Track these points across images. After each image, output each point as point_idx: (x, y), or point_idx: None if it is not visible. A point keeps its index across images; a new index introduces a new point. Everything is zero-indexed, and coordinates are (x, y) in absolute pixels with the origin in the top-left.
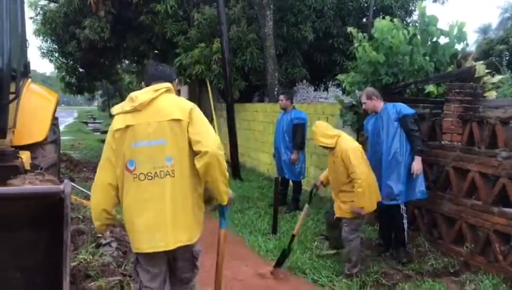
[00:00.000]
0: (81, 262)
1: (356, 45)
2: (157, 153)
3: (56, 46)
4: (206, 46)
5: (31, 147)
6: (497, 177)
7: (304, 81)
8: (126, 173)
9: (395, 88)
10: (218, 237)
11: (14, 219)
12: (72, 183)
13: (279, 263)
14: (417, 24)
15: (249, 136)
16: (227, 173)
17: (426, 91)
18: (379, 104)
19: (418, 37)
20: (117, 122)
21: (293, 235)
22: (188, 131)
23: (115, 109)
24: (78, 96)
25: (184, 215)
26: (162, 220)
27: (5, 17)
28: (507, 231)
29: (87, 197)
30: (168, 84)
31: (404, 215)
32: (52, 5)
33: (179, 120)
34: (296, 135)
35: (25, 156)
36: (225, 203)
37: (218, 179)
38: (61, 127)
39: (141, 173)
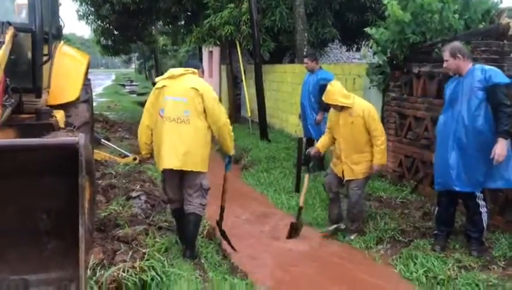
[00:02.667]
0: (112, 213)
1: (386, 1)
2: (179, 106)
3: (92, 9)
4: (236, 7)
5: (65, 107)
6: None
7: (336, 41)
8: (159, 117)
9: (422, 47)
10: (224, 177)
11: (38, 166)
12: (107, 142)
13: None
14: None
15: (277, 97)
16: (232, 134)
17: None
18: (464, 65)
19: None
20: (158, 84)
21: (300, 207)
22: (203, 99)
23: (158, 78)
24: (115, 59)
25: (190, 150)
26: (174, 150)
27: None
28: None
29: (121, 155)
30: (194, 70)
31: (481, 202)
32: None
33: (196, 89)
34: (322, 96)
35: (59, 115)
36: (230, 154)
37: (226, 139)
38: (99, 89)
39: (167, 117)
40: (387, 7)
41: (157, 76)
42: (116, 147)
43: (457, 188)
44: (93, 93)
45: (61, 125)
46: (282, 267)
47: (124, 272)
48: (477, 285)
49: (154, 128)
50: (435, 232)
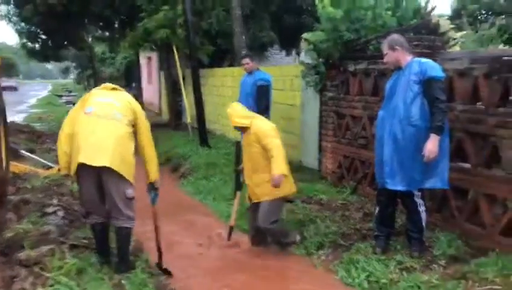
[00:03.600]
0: (20, 232)
1: (317, 1)
2: (110, 106)
3: (16, 10)
4: (171, 9)
5: None
6: (454, 131)
7: (276, 46)
8: (83, 115)
9: (357, 45)
10: (152, 212)
11: None
12: (28, 154)
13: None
14: None
15: (218, 102)
16: (156, 159)
17: None
18: (403, 57)
19: None
20: (91, 91)
21: (231, 227)
22: (135, 112)
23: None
24: (53, 69)
25: (120, 150)
26: (101, 144)
27: None
28: (463, 186)
29: (46, 167)
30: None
31: (419, 201)
32: None
33: (129, 102)
34: (260, 98)
35: None
36: (153, 180)
37: (150, 159)
38: (33, 100)
39: (96, 114)
40: (318, 5)
41: (96, 85)
42: (40, 159)
43: (390, 186)
44: (26, 105)
45: None
46: (218, 280)
47: None
48: (419, 287)
49: (76, 127)
50: (376, 233)
